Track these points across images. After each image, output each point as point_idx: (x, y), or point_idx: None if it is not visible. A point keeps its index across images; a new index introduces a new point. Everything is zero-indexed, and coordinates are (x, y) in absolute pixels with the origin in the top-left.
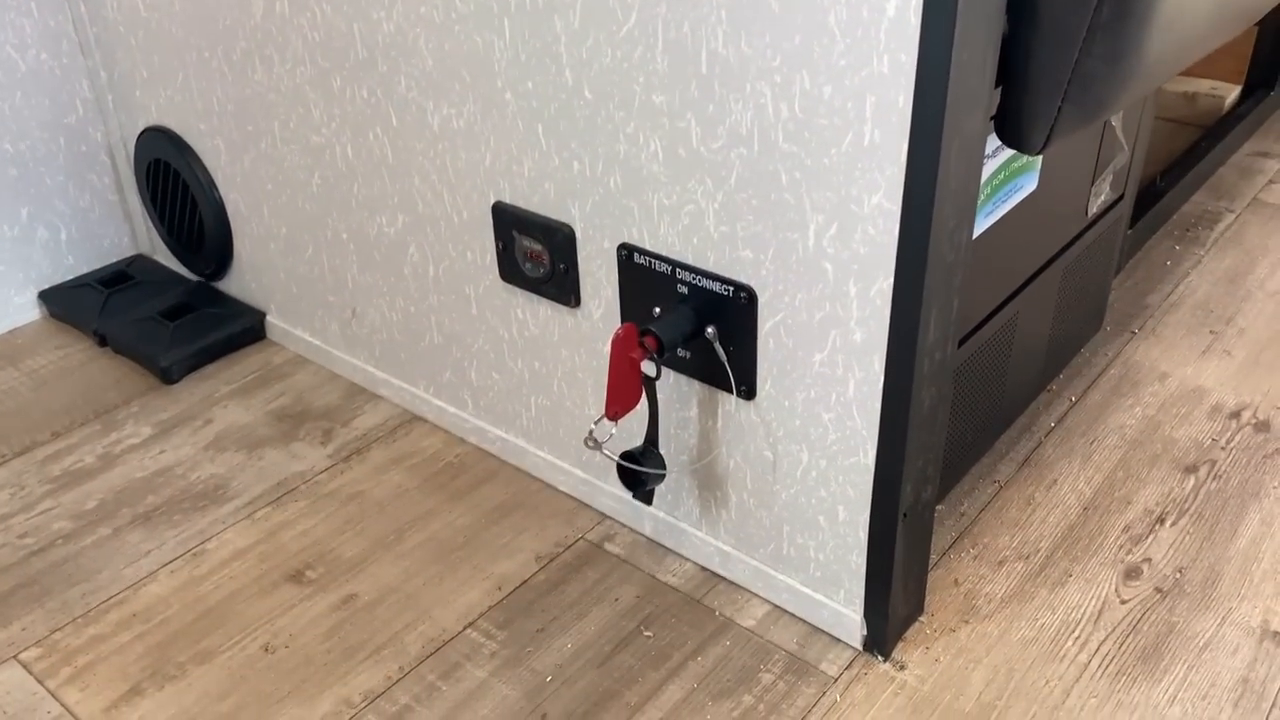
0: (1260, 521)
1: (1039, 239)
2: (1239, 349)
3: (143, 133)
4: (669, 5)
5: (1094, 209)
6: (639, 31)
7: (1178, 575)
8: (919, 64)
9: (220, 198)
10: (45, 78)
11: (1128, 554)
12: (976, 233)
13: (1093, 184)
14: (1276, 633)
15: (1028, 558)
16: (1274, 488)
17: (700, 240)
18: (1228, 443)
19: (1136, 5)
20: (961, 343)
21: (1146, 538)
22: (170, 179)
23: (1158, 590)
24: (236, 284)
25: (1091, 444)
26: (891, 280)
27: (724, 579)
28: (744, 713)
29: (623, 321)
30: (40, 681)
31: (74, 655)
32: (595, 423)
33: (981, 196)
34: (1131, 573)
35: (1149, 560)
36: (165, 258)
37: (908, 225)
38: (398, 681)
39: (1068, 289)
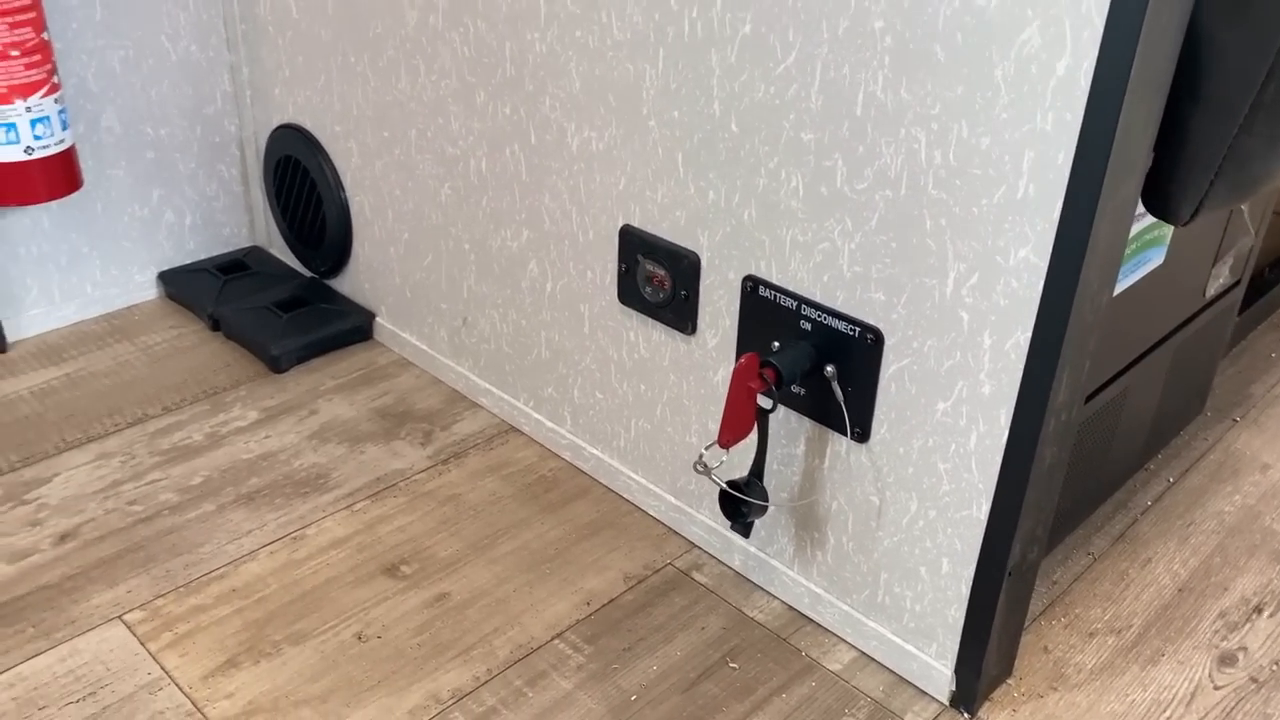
0: None
1: (1158, 314)
2: None
3: (276, 129)
4: (831, 47)
5: (1212, 291)
6: (796, 70)
7: (1275, 667)
8: (1084, 125)
9: (346, 199)
10: (191, 68)
11: (1223, 640)
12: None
13: (1214, 265)
14: None
15: (1119, 632)
16: None
17: (831, 278)
18: None
19: None
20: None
21: (1243, 625)
22: (298, 176)
23: (1253, 680)
24: (350, 283)
25: (1189, 526)
26: (1030, 335)
27: (812, 620)
28: None
29: (739, 353)
30: (143, 643)
31: (175, 622)
32: (706, 448)
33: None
34: (1226, 659)
35: (1245, 649)
36: (280, 252)
37: (1053, 282)
38: (485, 683)
39: (1177, 368)
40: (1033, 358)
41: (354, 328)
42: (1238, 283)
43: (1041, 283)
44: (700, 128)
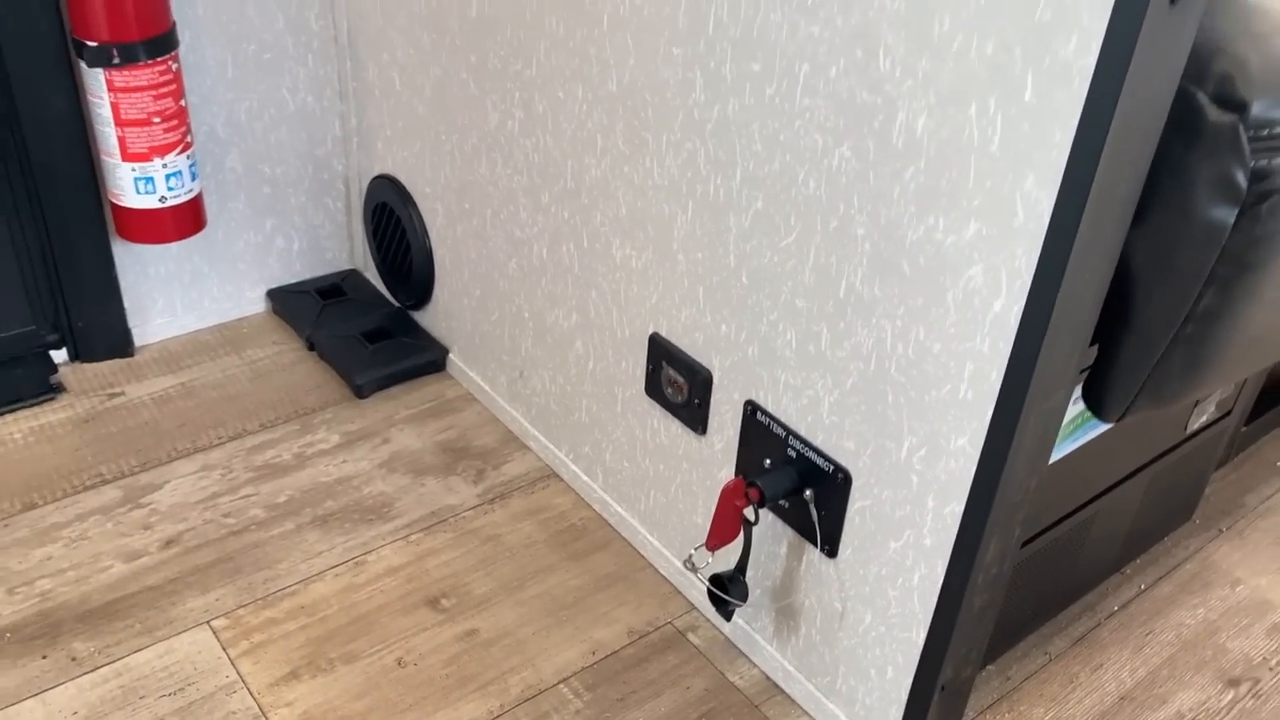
0: None
1: (1128, 452)
2: None
3: (376, 177)
4: (825, 236)
5: (1194, 426)
6: (795, 247)
7: None
8: (1011, 355)
9: (431, 248)
10: (306, 116)
11: None
12: (1062, 454)
13: (1195, 408)
14: None
15: None
16: None
17: (813, 420)
18: (1277, 664)
19: (1216, 328)
20: (1032, 540)
21: None
22: (392, 221)
23: None
24: (430, 319)
25: (1147, 635)
26: (963, 506)
27: (783, 692)
28: None
29: (737, 463)
30: (224, 649)
31: (251, 632)
32: (695, 549)
33: (1071, 426)
34: None
35: None
36: (374, 278)
37: (983, 469)
38: (496, 718)
39: (1157, 488)
40: (964, 525)
41: (429, 361)
42: (1228, 413)
43: (974, 468)
44: (718, 271)
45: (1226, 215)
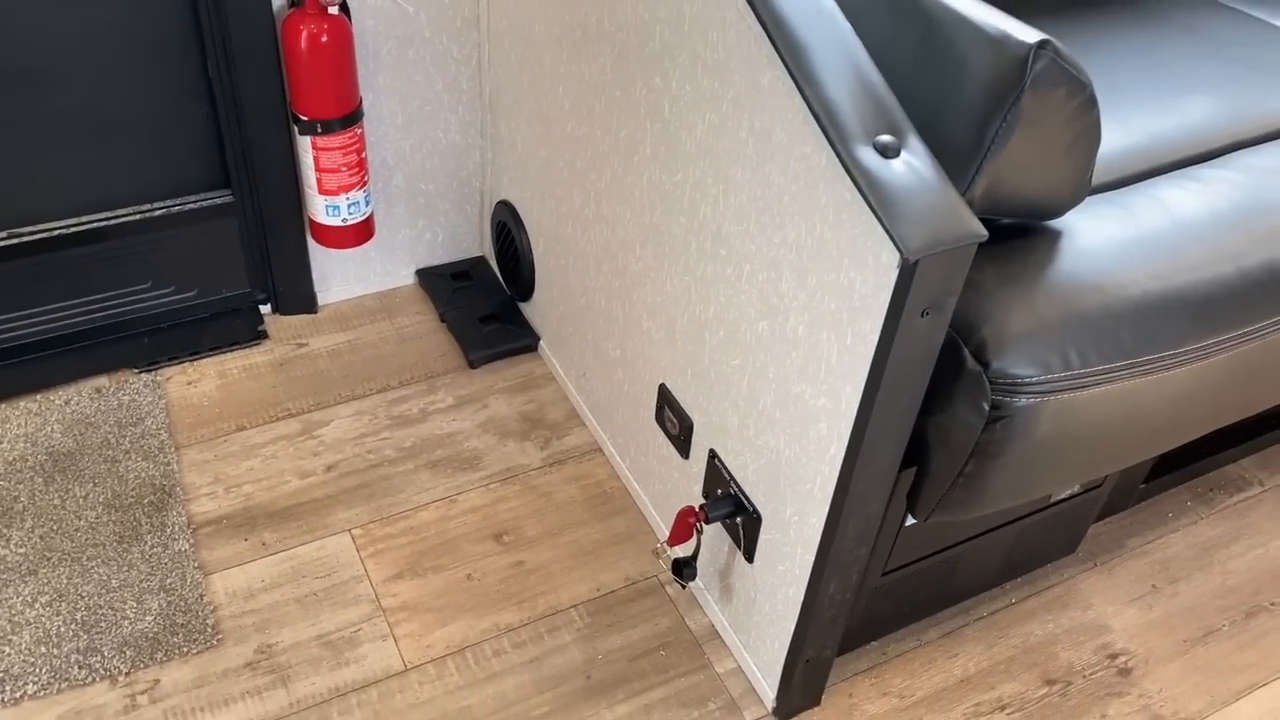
0: None
1: (992, 516)
2: (1159, 608)
3: (500, 201)
4: (754, 370)
5: (1059, 496)
6: (739, 372)
7: None
8: (839, 476)
9: (534, 263)
10: (454, 149)
11: (972, 718)
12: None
13: None
14: None
15: (902, 698)
16: (1095, 717)
17: (745, 476)
18: (1091, 674)
19: (978, 481)
20: (905, 566)
21: (987, 715)
22: (508, 237)
23: None
24: (529, 311)
25: (999, 637)
26: (814, 556)
27: (720, 639)
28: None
29: (703, 484)
30: (358, 550)
31: (376, 541)
32: (660, 543)
33: None
34: None
35: None
36: (494, 265)
37: (824, 539)
38: (524, 625)
39: (1029, 535)
40: (814, 568)
41: (526, 345)
42: (1098, 485)
43: (819, 536)
44: (699, 365)
45: (977, 423)
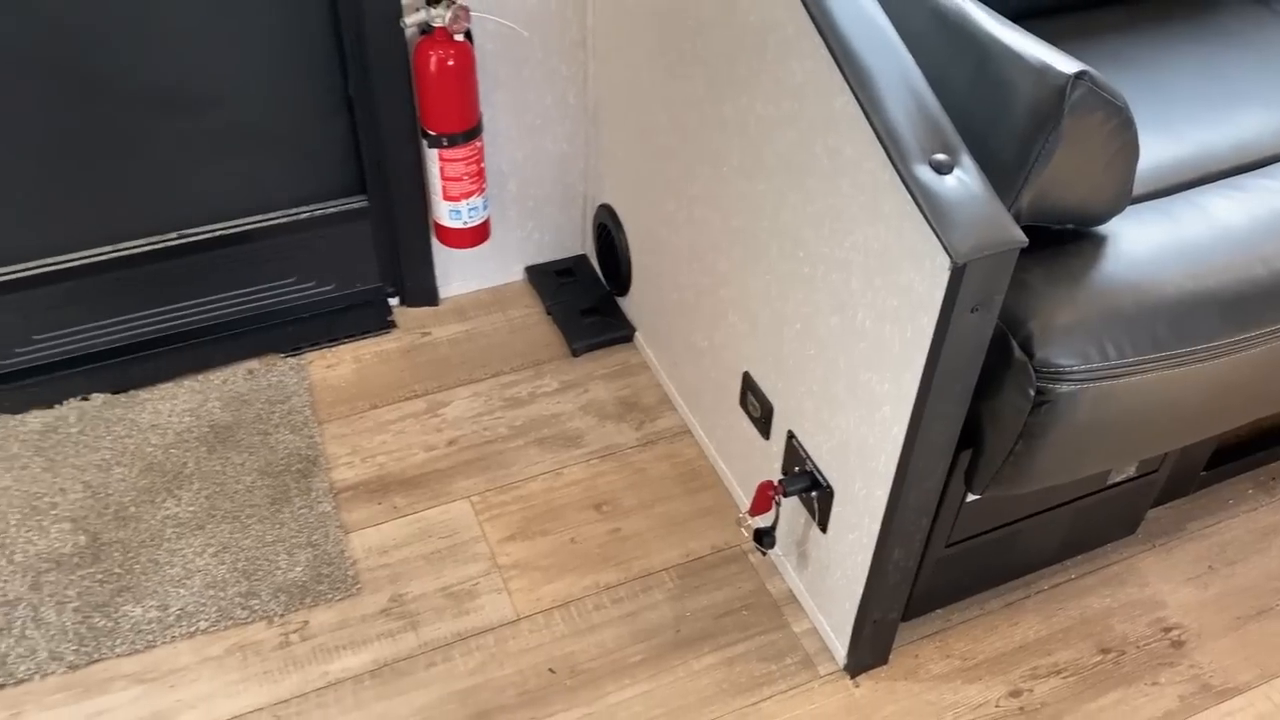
0: (1118, 701)
1: (1047, 495)
2: (1215, 587)
3: (602, 204)
4: (827, 358)
5: (1114, 479)
6: (815, 360)
7: (1038, 708)
8: (900, 452)
9: (631, 262)
10: (561, 158)
11: (1022, 682)
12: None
13: (1110, 469)
14: None
15: (964, 659)
16: (1146, 684)
17: (820, 455)
18: (1144, 645)
19: (1026, 459)
20: (968, 539)
21: (1044, 678)
22: (608, 236)
23: (1020, 709)
24: (626, 305)
25: (1058, 609)
26: (879, 525)
27: (797, 602)
28: (765, 674)
29: (783, 463)
30: (476, 515)
31: (491, 507)
32: (742, 513)
33: None
34: (1014, 692)
35: (1031, 691)
36: (594, 262)
37: (888, 511)
38: (621, 584)
39: (1086, 515)
40: (879, 537)
41: (622, 336)
42: (1155, 470)
43: (884, 508)
44: (780, 355)
45: (1024, 407)
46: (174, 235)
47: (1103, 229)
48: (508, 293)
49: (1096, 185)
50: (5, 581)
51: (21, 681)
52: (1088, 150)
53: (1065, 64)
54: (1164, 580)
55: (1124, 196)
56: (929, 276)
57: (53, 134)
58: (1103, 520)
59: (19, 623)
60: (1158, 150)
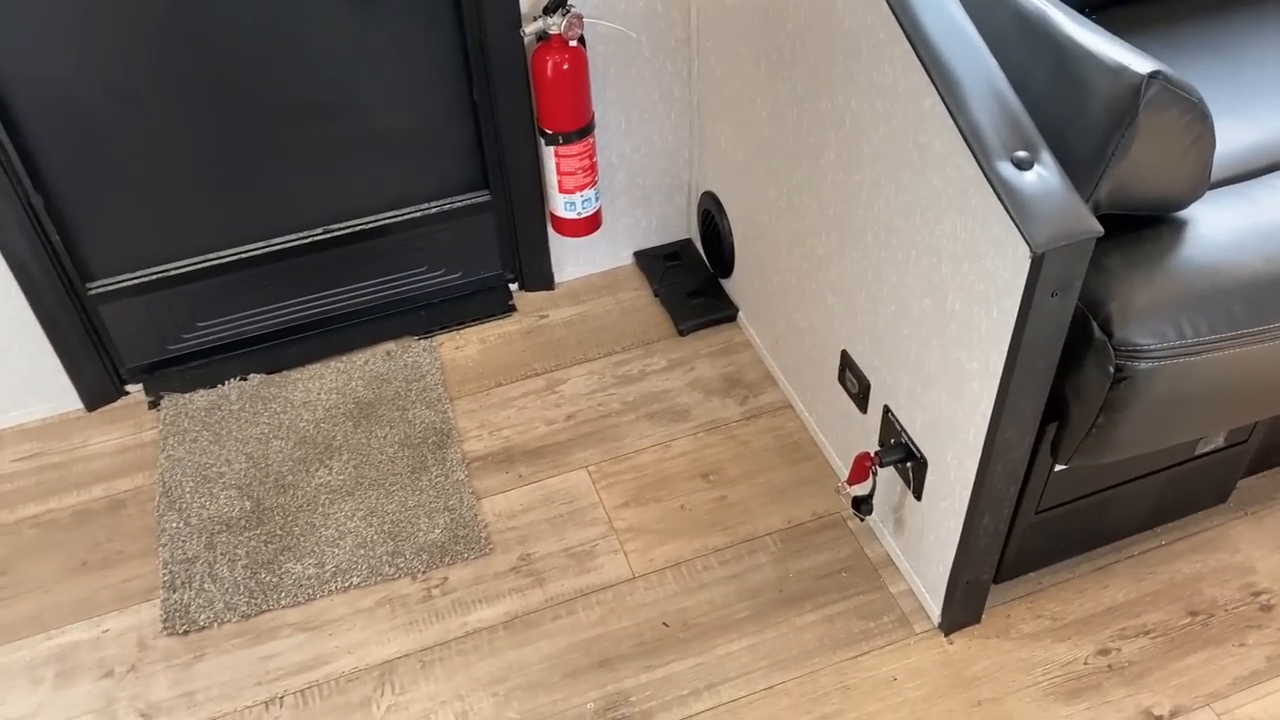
0: (1206, 660)
1: (1135, 465)
2: None
3: (705, 191)
4: (921, 339)
5: (1202, 450)
6: (911, 340)
7: (1126, 666)
8: (988, 425)
9: (734, 246)
10: (668, 149)
11: (1111, 642)
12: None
13: (1199, 440)
14: (1158, 715)
15: (1054, 620)
16: (1233, 645)
17: (914, 428)
18: (1233, 608)
19: (1108, 430)
20: (1057, 506)
21: (1132, 638)
22: (711, 222)
23: (1109, 666)
24: (729, 286)
25: (1149, 573)
26: (969, 493)
27: (893, 565)
28: (864, 630)
29: (879, 435)
30: (593, 483)
31: (607, 476)
32: (841, 482)
33: None
34: (1103, 651)
35: (1120, 650)
36: (699, 246)
37: (977, 479)
38: (728, 548)
39: (1176, 484)
40: (969, 504)
41: (726, 316)
42: (1243, 441)
43: (973, 476)
44: (876, 333)
45: (1105, 383)
46: (320, 231)
47: (1181, 214)
48: (618, 276)
49: (1173, 175)
50: (185, 541)
51: (203, 629)
52: (1164, 144)
53: (1140, 63)
54: (1254, 547)
55: (1201, 184)
56: (1012, 264)
57: (214, 143)
58: (1193, 489)
59: (198, 578)
60: (1239, 135)
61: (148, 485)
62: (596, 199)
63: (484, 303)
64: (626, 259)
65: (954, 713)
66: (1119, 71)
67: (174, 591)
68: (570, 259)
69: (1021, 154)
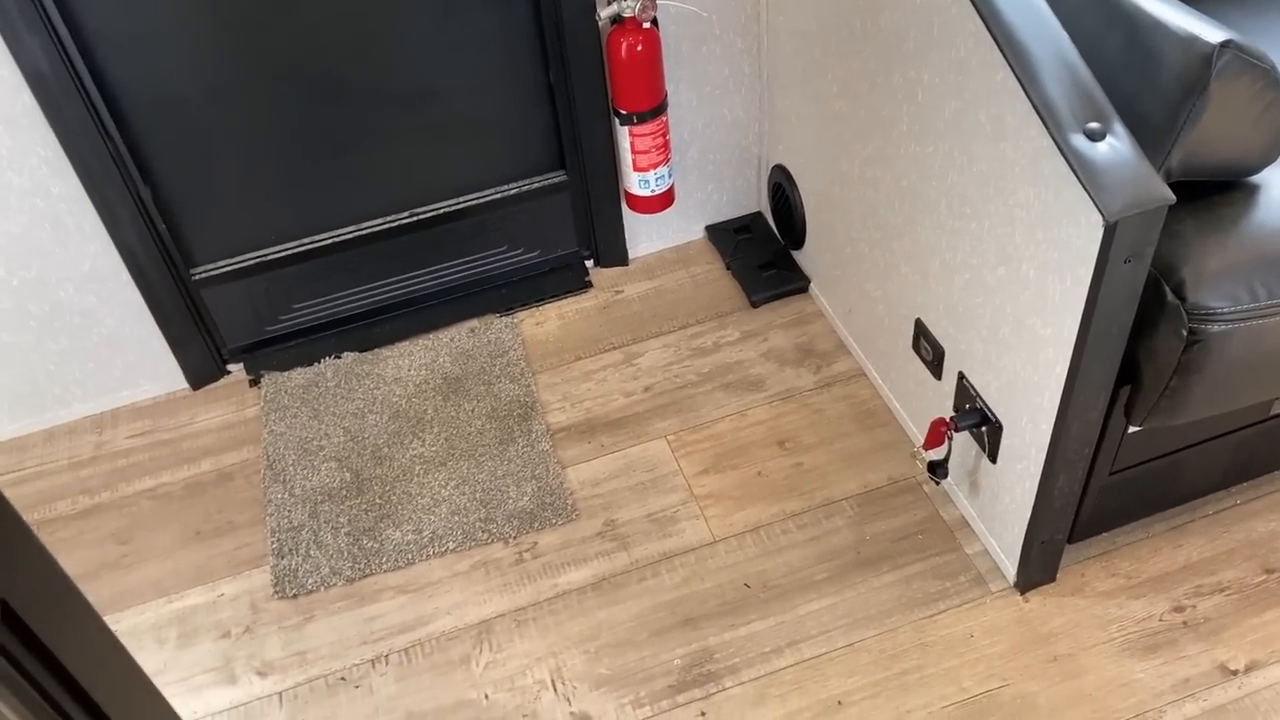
0: None
1: (1209, 426)
2: None
3: (776, 165)
4: (995, 307)
5: (1275, 411)
6: (984, 310)
7: (1201, 622)
8: (1063, 389)
9: (805, 218)
10: (737, 124)
11: (1186, 598)
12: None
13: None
14: (1234, 670)
15: (1129, 578)
16: None
17: (990, 393)
18: None
19: (1181, 393)
20: (1132, 467)
21: (1207, 595)
22: (782, 194)
23: (1184, 623)
24: (801, 258)
25: (1223, 532)
26: (1044, 455)
27: (969, 526)
28: (941, 590)
29: (954, 400)
30: (672, 452)
31: (686, 445)
32: (916, 447)
33: None
34: (1177, 608)
35: (1195, 606)
36: (769, 219)
37: (1053, 441)
38: (805, 512)
39: (1250, 444)
40: (1045, 465)
41: (798, 288)
42: None
43: (1048, 439)
44: (950, 301)
45: (1178, 346)
46: (406, 214)
47: (1254, 179)
48: (690, 250)
49: (1246, 142)
50: (290, 510)
51: (311, 592)
52: (1236, 111)
53: (1212, 33)
54: None
55: (1274, 150)
56: (1085, 232)
57: (307, 135)
58: (1268, 450)
59: (304, 545)
60: None
61: (252, 459)
62: (670, 175)
63: (561, 279)
64: (698, 233)
65: (1030, 668)
66: (1190, 42)
67: (282, 558)
68: (644, 234)
69: (1094, 125)
